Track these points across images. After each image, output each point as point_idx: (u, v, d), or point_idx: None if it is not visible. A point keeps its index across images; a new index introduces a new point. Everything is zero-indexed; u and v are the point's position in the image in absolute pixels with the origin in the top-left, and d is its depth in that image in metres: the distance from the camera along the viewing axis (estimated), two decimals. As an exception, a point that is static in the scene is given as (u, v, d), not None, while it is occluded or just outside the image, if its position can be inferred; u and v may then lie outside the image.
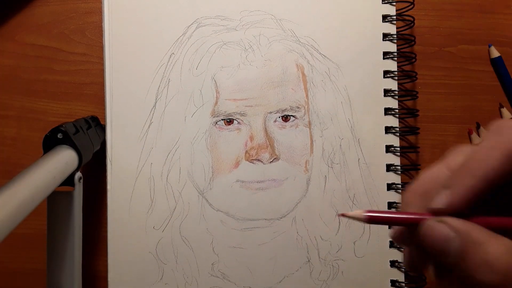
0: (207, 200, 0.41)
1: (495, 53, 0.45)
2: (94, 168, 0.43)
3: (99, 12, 0.44)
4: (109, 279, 0.40)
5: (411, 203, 0.26)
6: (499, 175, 0.23)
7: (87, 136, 0.37)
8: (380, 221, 0.26)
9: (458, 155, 0.26)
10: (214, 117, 0.41)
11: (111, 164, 0.41)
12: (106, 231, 0.41)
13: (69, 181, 0.34)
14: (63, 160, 0.33)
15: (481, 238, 0.23)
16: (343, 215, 0.26)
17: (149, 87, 0.41)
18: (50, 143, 0.34)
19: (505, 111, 0.44)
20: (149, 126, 0.41)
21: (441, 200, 0.24)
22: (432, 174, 0.26)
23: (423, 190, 0.26)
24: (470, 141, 0.44)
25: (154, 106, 0.41)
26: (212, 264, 0.41)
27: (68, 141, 0.34)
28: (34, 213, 0.28)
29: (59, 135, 0.34)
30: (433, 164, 0.26)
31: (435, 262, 0.25)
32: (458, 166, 0.24)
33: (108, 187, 0.41)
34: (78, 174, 0.35)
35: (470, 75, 0.45)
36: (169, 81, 0.41)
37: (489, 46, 0.45)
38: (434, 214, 0.24)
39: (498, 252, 0.23)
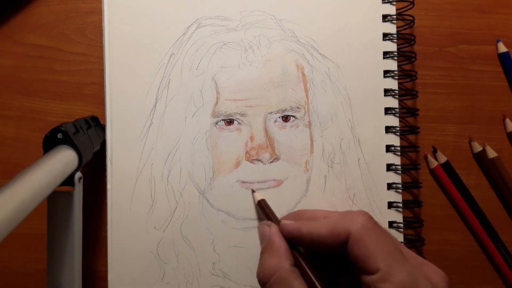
0: (207, 200, 0.41)
1: (502, 48, 0.45)
2: (94, 168, 0.43)
3: (99, 12, 0.44)
4: (109, 280, 0.40)
5: (288, 216, 0.39)
6: (321, 238, 0.33)
7: (87, 136, 0.37)
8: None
9: (334, 214, 0.38)
10: (214, 117, 0.41)
11: (111, 164, 0.41)
12: (106, 231, 0.41)
13: (69, 181, 0.34)
14: (63, 160, 0.33)
15: (275, 251, 0.34)
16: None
17: (149, 87, 0.41)
18: (50, 143, 0.34)
19: (508, 122, 0.45)
20: (149, 127, 0.41)
21: (284, 221, 0.36)
22: (316, 211, 0.38)
23: (300, 214, 0.39)
24: (470, 147, 0.45)
25: (154, 106, 0.41)
26: (213, 263, 0.41)
27: (68, 141, 0.34)
28: (34, 213, 0.28)
29: (59, 135, 0.34)
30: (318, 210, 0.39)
31: None
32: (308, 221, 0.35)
33: (108, 186, 0.41)
34: (78, 174, 0.35)
35: (470, 75, 0.45)
36: (169, 82, 0.41)
37: (497, 42, 0.45)
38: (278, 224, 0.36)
39: (272, 268, 0.33)
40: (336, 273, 0.35)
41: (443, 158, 0.44)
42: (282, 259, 0.33)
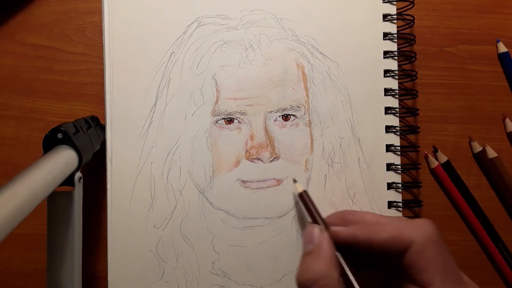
0: (207, 199, 0.41)
1: (502, 49, 0.45)
2: (94, 168, 0.43)
3: (99, 12, 0.44)
4: (109, 278, 0.40)
5: (332, 215, 0.38)
6: (380, 243, 0.31)
7: (87, 136, 0.37)
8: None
9: (387, 219, 0.35)
10: (214, 116, 0.41)
11: (111, 163, 0.41)
12: (106, 231, 0.41)
13: (69, 181, 0.34)
14: (63, 160, 0.32)
15: (321, 256, 0.32)
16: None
17: (149, 86, 0.41)
18: (50, 143, 0.34)
19: (508, 122, 0.45)
20: (149, 125, 0.41)
21: (336, 227, 0.34)
22: (365, 214, 0.36)
23: (346, 215, 0.37)
24: (471, 147, 0.45)
25: (155, 105, 0.41)
26: (213, 262, 0.41)
27: (68, 141, 0.34)
28: (34, 213, 0.28)
29: (59, 135, 0.34)
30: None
31: None
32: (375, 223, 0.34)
33: (108, 186, 0.41)
34: (78, 174, 0.35)
35: (470, 75, 0.45)
36: (169, 80, 0.41)
37: (497, 42, 0.45)
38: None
39: (317, 272, 0.31)
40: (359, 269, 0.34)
41: (443, 158, 0.44)
42: (331, 267, 0.31)
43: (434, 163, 0.44)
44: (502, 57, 0.45)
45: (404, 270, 0.30)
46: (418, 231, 0.31)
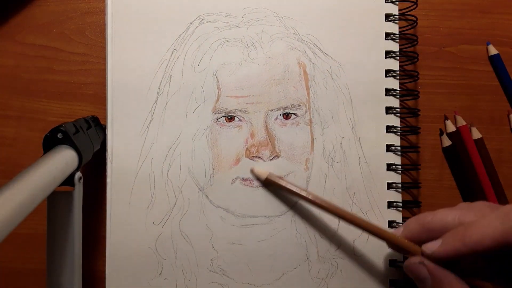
0: (207, 196, 0.41)
1: (493, 51, 0.45)
2: (94, 168, 0.43)
3: (99, 12, 0.44)
4: (107, 273, 0.40)
5: (410, 226, 0.35)
6: (486, 251, 0.29)
7: (87, 136, 0.37)
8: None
9: (471, 212, 0.32)
10: (215, 113, 0.41)
11: (111, 158, 0.41)
12: (105, 231, 0.41)
13: (69, 181, 0.34)
14: (63, 160, 0.32)
15: (449, 285, 0.30)
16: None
17: (150, 83, 0.41)
18: (50, 143, 0.34)
19: None
20: (150, 122, 0.41)
21: (430, 248, 0.32)
22: (444, 215, 0.33)
23: (429, 225, 0.33)
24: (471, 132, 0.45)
25: (156, 102, 0.41)
26: (211, 260, 0.41)
27: (68, 141, 0.34)
28: (34, 213, 0.28)
29: (59, 135, 0.34)
30: (451, 208, 0.34)
31: None
32: (459, 224, 0.31)
33: (108, 180, 0.41)
34: (78, 174, 0.35)
35: (470, 75, 0.45)
36: (170, 77, 0.41)
37: (487, 44, 0.45)
38: (423, 255, 0.32)
39: None
40: None
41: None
42: None
43: (458, 125, 0.44)
44: (494, 59, 0.45)
45: None
46: None
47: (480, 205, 0.33)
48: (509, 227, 0.28)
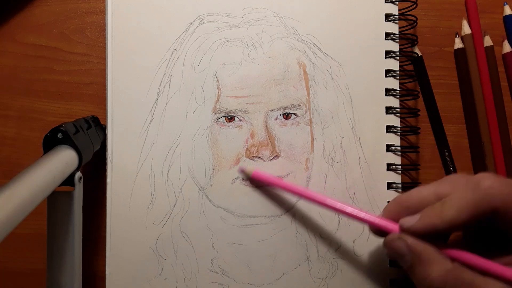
0: (207, 197, 0.41)
1: (508, 11, 0.45)
2: (94, 168, 0.43)
3: (99, 12, 0.44)
4: (107, 274, 0.40)
5: (388, 207, 0.35)
6: (464, 224, 0.30)
7: (87, 136, 0.37)
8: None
9: (445, 184, 0.33)
10: (215, 114, 0.41)
11: (112, 158, 0.41)
12: (106, 232, 0.41)
13: (69, 181, 0.34)
14: (63, 160, 0.32)
15: (428, 259, 0.30)
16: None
17: (150, 83, 0.41)
18: (50, 143, 0.34)
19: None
20: (150, 122, 0.41)
21: (408, 221, 0.32)
22: (420, 193, 0.33)
23: (406, 203, 0.34)
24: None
25: (156, 102, 0.41)
26: (212, 260, 0.41)
27: (68, 141, 0.34)
28: (34, 213, 0.28)
29: (59, 135, 0.34)
30: (426, 184, 0.34)
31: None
32: (435, 197, 0.32)
33: (108, 180, 0.41)
34: (78, 174, 0.35)
35: (471, 75, 0.45)
36: (171, 78, 0.41)
37: (504, 5, 0.45)
38: (401, 229, 0.33)
39: (437, 274, 0.30)
40: None
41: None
42: (440, 262, 0.30)
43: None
44: (507, 20, 0.45)
45: (503, 228, 0.29)
46: (490, 196, 0.29)
47: (455, 177, 0.33)
48: (479, 196, 0.29)
